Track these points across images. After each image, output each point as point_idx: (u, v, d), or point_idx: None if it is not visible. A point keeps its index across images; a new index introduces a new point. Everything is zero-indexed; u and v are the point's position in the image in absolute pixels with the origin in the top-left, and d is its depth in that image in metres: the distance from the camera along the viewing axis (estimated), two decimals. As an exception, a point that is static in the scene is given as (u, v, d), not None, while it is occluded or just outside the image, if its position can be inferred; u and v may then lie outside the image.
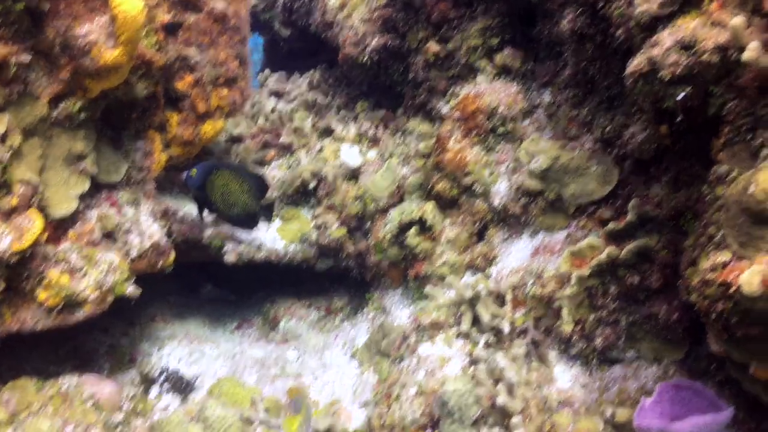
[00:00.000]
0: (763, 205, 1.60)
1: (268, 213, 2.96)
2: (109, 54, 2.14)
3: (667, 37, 1.85)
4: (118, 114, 2.53)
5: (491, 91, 2.76)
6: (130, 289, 2.38)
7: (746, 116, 1.73)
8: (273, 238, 3.03)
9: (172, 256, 2.62)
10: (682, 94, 1.86)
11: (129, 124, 2.58)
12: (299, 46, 4.23)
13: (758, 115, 1.70)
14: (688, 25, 1.82)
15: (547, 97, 2.76)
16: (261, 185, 2.79)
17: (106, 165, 2.49)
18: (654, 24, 1.91)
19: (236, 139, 3.34)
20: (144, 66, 2.44)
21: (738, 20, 1.67)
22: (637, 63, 1.92)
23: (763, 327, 1.67)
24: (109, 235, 2.42)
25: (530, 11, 2.74)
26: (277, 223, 3.08)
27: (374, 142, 3.26)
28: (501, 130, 2.73)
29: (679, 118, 2.02)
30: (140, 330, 2.96)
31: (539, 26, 2.73)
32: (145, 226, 2.50)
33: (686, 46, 1.80)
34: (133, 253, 2.44)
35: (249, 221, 2.81)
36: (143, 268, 2.49)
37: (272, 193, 3.10)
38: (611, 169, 2.43)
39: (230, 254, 2.95)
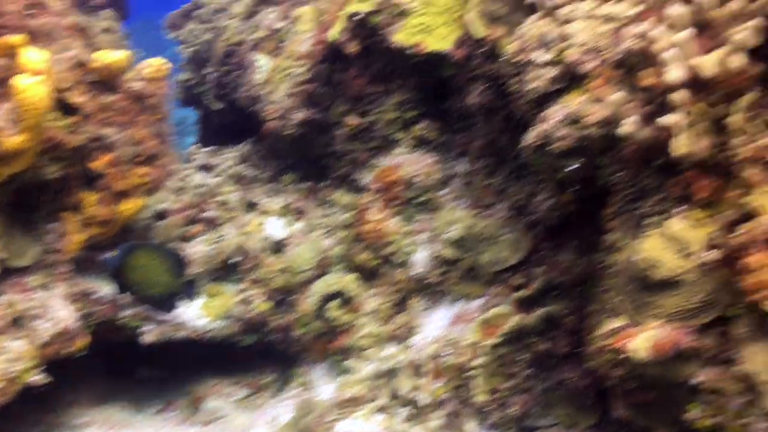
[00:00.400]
0: (646, 272, 1.66)
1: (189, 290, 2.92)
2: (12, 141, 2.13)
3: (556, 112, 1.93)
4: (29, 197, 2.49)
5: (409, 163, 2.82)
6: (37, 377, 2.30)
7: (631, 186, 1.81)
8: (195, 315, 2.98)
9: (84, 339, 2.55)
10: (573, 166, 1.94)
11: (41, 206, 2.55)
12: (231, 120, 4.27)
13: (641, 185, 1.78)
14: (574, 101, 1.90)
15: (463, 166, 2.83)
16: (181, 264, 2.76)
17: (16, 249, 2.44)
18: (544, 100, 1.99)
19: (161, 216, 3.31)
20: (54, 148, 2.43)
21: (617, 96, 1.76)
22: (530, 137, 2.00)
23: (658, 392, 1.71)
24: (17, 322, 2.35)
25: (443, 85, 2.83)
26: (200, 299, 3.04)
27: (300, 214, 3.27)
28: (419, 200, 2.78)
29: (574, 188, 2.10)
30: (56, 417, 2.85)
31: (451, 100, 2.82)
32: (55, 311, 2.44)
33: (574, 121, 1.89)
34: (42, 339, 2.37)
35: (169, 301, 2.77)
36: (53, 354, 2.41)
37: (195, 270, 3.06)
38: (523, 236, 2.48)
39: (149, 334, 2.88)
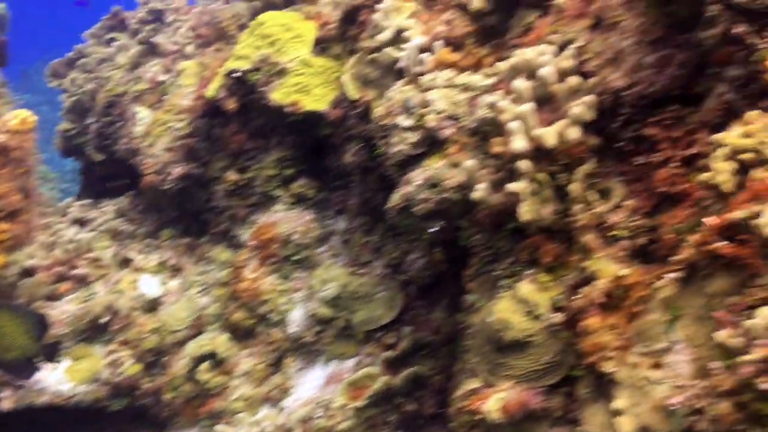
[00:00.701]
0: (500, 333, 1.70)
1: (52, 353, 2.76)
2: None
3: (417, 176, 1.98)
4: None
5: (286, 220, 2.81)
6: None
7: (487, 248, 1.87)
8: (59, 379, 2.80)
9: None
10: (435, 228, 1.98)
11: None
12: (112, 172, 4.14)
13: (496, 248, 1.84)
14: (434, 165, 1.96)
15: (341, 224, 2.84)
16: (42, 325, 2.61)
17: None
18: (407, 163, 2.05)
19: (28, 273, 3.13)
20: None
21: (470, 162, 1.82)
22: (394, 199, 2.04)
23: (513, 452, 1.73)
24: None
25: (321, 144, 2.86)
26: (66, 362, 2.87)
27: (176, 271, 3.17)
28: (296, 257, 2.76)
29: (437, 249, 2.14)
30: None
31: (329, 158, 2.85)
32: None
33: (433, 184, 1.94)
34: None
35: (28, 365, 2.61)
36: None
37: (61, 331, 2.90)
38: (397, 294, 2.50)
39: (6, 401, 2.68)
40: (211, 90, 2.91)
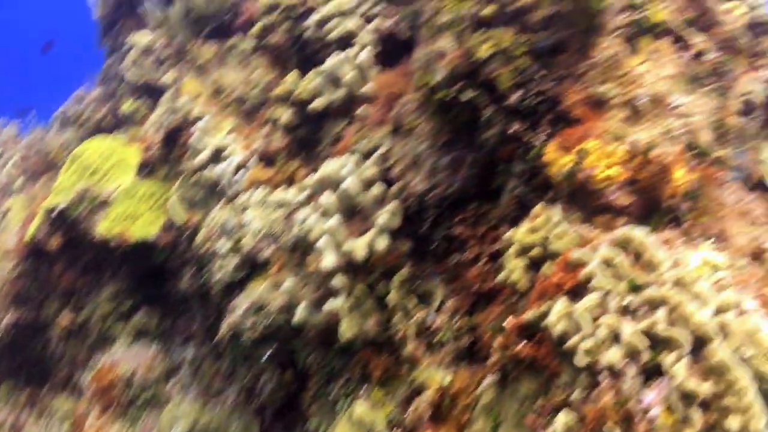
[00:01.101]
0: (340, 462, 1.60)
1: None
2: None
3: (242, 302, 1.89)
4: None
5: (127, 359, 2.61)
6: None
7: (322, 368, 1.78)
8: None
9: None
10: (269, 353, 1.89)
11: None
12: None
13: (330, 366, 1.76)
14: (258, 288, 1.88)
15: (190, 352, 2.67)
16: None
17: None
18: (231, 288, 1.95)
19: None
20: None
21: (289, 283, 1.76)
22: (222, 329, 1.93)
23: None
24: None
25: (158, 270, 2.71)
26: None
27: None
28: (142, 398, 2.55)
29: (284, 370, 2.04)
30: None
31: (168, 284, 2.70)
32: None
33: (259, 308, 1.85)
34: None
35: None
36: None
37: None
38: (252, 422, 2.35)
39: None
40: (32, 229, 2.72)
